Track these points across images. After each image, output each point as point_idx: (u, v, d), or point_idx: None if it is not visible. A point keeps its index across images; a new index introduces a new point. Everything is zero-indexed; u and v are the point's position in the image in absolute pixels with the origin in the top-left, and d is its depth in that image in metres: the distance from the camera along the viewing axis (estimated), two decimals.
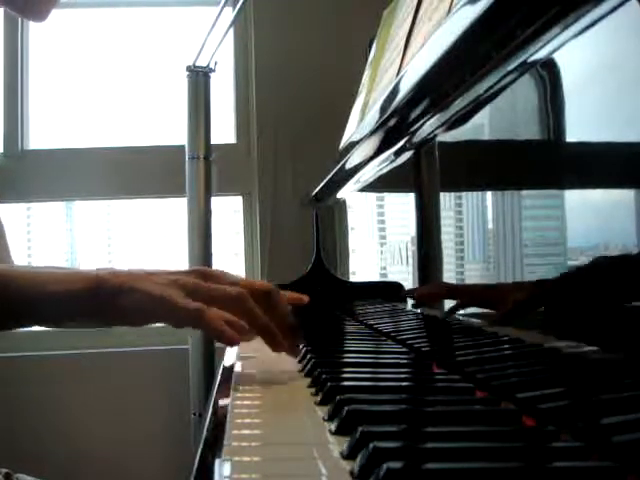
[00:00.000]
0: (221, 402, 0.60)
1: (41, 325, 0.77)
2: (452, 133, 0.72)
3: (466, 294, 0.73)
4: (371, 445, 0.39)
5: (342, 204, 1.39)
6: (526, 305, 0.57)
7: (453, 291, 0.76)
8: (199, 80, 1.70)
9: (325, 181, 1.30)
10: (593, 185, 0.45)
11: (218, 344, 1.64)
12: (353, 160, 1.06)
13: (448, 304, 0.78)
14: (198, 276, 0.71)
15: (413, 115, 0.76)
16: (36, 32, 2.05)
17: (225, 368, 0.79)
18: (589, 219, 0.45)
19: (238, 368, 0.76)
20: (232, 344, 0.68)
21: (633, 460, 0.38)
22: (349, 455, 0.42)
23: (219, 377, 0.74)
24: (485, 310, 0.69)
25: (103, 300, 0.68)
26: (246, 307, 0.68)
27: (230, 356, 0.85)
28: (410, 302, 0.95)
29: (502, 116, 0.60)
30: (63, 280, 0.69)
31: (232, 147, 2.05)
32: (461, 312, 0.73)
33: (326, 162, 1.31)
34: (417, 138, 0.81)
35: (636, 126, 0.39)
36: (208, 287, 0.69)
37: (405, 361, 0.77)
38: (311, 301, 0.81)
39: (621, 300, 0.41)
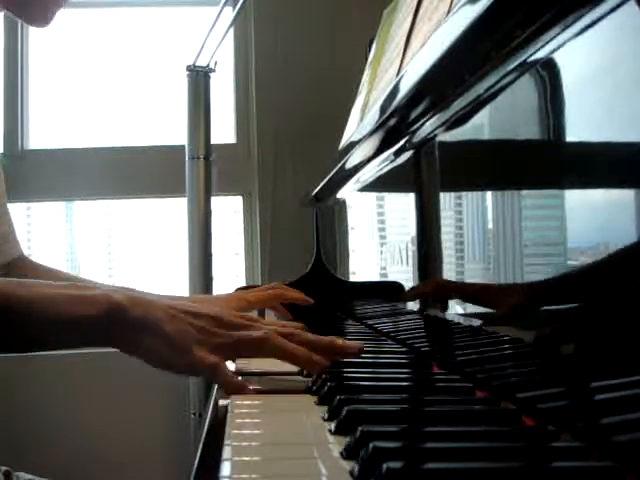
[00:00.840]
0: (221, 402, 0.60)
1: (46, 349, 0.73)
2: (452, 133, 0.72)
3: (462, 292, 0.73)
4: (371, 445, 0.39)
5: (342, 204, 1.39)
6: (523, 306, 0.57)
7: (449, 289, 0.76)
8: (199, 80, 1.70)
9: (325, 181, 1.30)
10: (593, 185, 0.45)
11: None
12: (353, 160, 1.06)
13: (450, 306, 0.78)
14: (211, 321, 0.67)
15: (413, 115, 0.76)
16: (36, 32, 2.05)
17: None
18: (589, 219, 0.45)
19: (238, 368, 0.76)
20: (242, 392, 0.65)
21: (633, 460, 0.38)
22: (349, 455, 0.42)
23: None
24: (485, 310, 0.69)
25: (119, 331, 0.64)
26: (277, 348, 0.65)
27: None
28: (409, 301, 0.95)
29: (502, 116, 0.60)
30: (72, 304, 0.64)
31: (232, 147, 2.05)
32: (461, 312, 0.73)
33: (326, 162, 1.31)
34: (417, 138, 0.81)
35: (636, 126, 0.39)
36: (232, 338, 0.65)
37: (405, 361, 0.77)
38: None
39: (621, 300, 0.41)
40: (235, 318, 0.68)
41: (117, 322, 0.64)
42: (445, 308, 0.78)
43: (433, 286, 0.81)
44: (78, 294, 0.66)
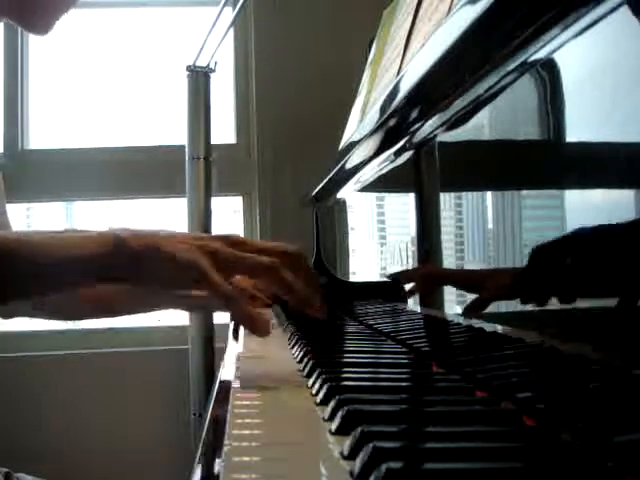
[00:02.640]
0: (221, 402, 0.60)
1: (58, 292, 0.74)
2: (452, 133, 0.72)
3: (451, 279, 0.73)
4: (371, 445, 0.39)
5: (342, 204, 1.39)
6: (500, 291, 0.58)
7: (438, 276, 0.77)
8: (199, 80, 1.70)
9: (325, 181, 1.30)
10: (593, 185, 0.45)
11: (218, 344, 1.64)
12: (353, 160, 1.06)
13: (449, 306, 0.78)
14: (225, 244, 0.69)
15: (413, 115, 0.76)
16: None
17: (225, 368, 0.79)
18: (589, 219, 0.45)
19: (238, 368, 0.76)
20: (261, 334, 0.67)
21: (633, 460, 0.38)
22: (349, 455, 0.42)
23: (219, 377, 0.74)
24: (485, 311, 0.69)
25: (123, 262, 0.65)
26: (279, 277, 0.67)
27: (230, 356, 0.85)
28: (410, 301, 0.95)
29: (502, 116, 0.60)
30: (79, 242, 0.66)
31: (232, 147, 2.05)
32: (461, 312, 0.73)
33: (326, 162, 1.31)
34: (417, 138, 0.81)
35: (636, 126, 0.39)
36: (239, 256, 0.67)
37: (405, 361, 0.77)
38: None
39: (621, 300, 0.41)
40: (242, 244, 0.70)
41: (122, 253, 0.65)
42: (442, 306, 0.78)
43: (424, 272, 0.82)
44: (81, 235, 0.69)
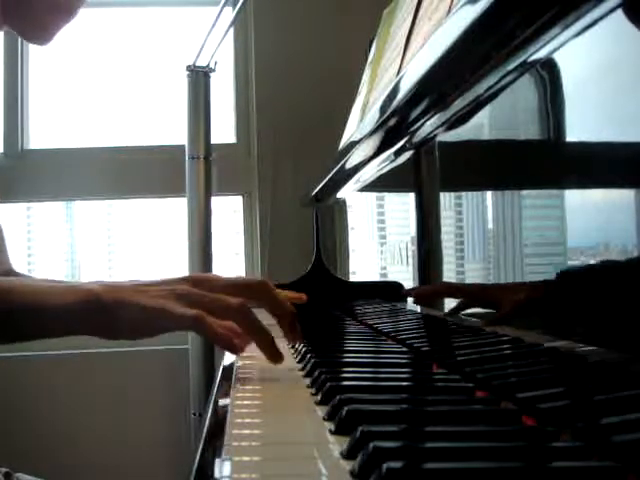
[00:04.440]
0: (221, 402, 0.60)
1: (31, 340, 0.77)
2: (452, 133, 0.72)
3: (466, 293, 0.73)
4: (371, 445, 0.39)
5: (342, 204, 1.39)
6: (524, 306, 0.57)
7: (453, 290, 0.76)
8: (199, 80, 1.70)
9: (325, 181, 1.30)
10: (593, 185, 0.45)
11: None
12: (353, 160, 1.06)
13: (448, 304, 0.78)
14: (192, 284, 0.71)
15: (413, 115, 0.76)
16: None
17: (225, 368, 0.79)
18: (589, 219, 0.45)
19: (238, 368, 0.76)
20: (234, 350, 0.69)
21: (633, 460, 0.38)
22: (349, 455, 0.42)
23: (219, 377, 0.74)
24: (485, 310, 0.69)
25: (99, 316, 0.68)
26: (247, 319, 0.68)
27: (230, 356, 0.85)
28: (410, 300, 0.95)
29: (502, 116, 0.60)
30: (54, 294, 0.69)
31: (232, 147, 2.05)
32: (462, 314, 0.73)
33: (326, 162, 1.31)
34: (417, 138, 0.81)
35: (636, 126, 0.39)
36: (208, 298, 0.69)
37: (405, 361, 0.77)
38: (311, 300, 0.81)
39: (621, 300, 0.41)
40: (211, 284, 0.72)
41: (93, 307, 0.68)
42: (454, 312, 0.78)
43: (440, 289, 0.81)
44: (56, 285, 0.72)
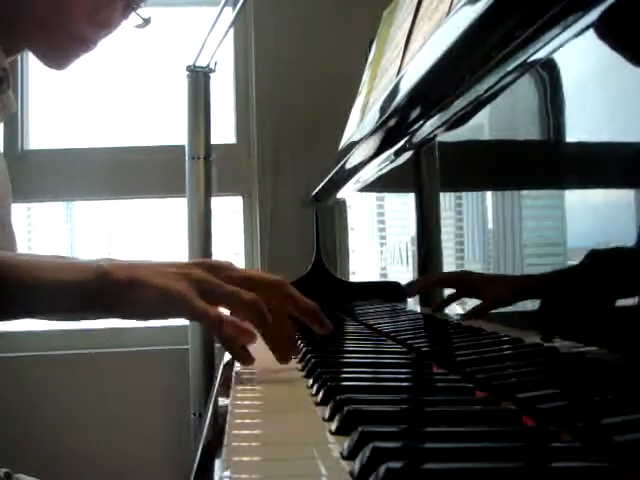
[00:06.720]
0: (221, 402, 0.60)
1: (38, 317, 0.75)
2: (452, 133, 0.72)
3: (458, 283, 0.73)
4: (371, 445, 0.39)
5: (342, 204, 1.39)
6: (511, 300, 0.58)
7: (447, 280, 0.76)
8: (199, 80, 1.70)
9: (325, 181, 1.30)
10: (593, 185, 0.45)
11: (218, 344, 1.64)
12: (353, 160, 1.06)
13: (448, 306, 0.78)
14: (206, 269, 0.69)
15: (413, 115, 0.76)
16: None
17: (225, 368, 0.79)
18: (589, 219, 0.45)
19: (238, 368, 0.76)
20: (246, 362, 0.69)
21: (633, 460, 0.38)
22: (349, 455, 0.42)
23: (219, 377, 0.74)
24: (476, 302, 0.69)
25: (107, 294, 0.65)
26: (259, 315, 0.68)
27: (230, 356, 0.85)
28: (410, 300, 0.95)
29: (502, 116, 0.60)
30: (62, 270, 0.66)
31: (232, 147, 2.05)
32: (460, 312, 0.73)
33: (326, 162, 1.31)
34: (417, 138, 0.81)
35: (636, 126, 0.39)
36: (222, 289, 0.67)
37: (405, 361, 0.77)
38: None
39: (621, 299, 0.41)
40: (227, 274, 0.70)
41: (104, 285, 0.65)
42: (443, 305, 0.78)
43: (432, 279, 0.81)
44: (66, 262, 0.70)
